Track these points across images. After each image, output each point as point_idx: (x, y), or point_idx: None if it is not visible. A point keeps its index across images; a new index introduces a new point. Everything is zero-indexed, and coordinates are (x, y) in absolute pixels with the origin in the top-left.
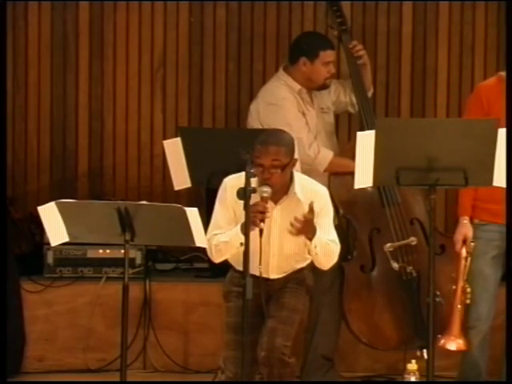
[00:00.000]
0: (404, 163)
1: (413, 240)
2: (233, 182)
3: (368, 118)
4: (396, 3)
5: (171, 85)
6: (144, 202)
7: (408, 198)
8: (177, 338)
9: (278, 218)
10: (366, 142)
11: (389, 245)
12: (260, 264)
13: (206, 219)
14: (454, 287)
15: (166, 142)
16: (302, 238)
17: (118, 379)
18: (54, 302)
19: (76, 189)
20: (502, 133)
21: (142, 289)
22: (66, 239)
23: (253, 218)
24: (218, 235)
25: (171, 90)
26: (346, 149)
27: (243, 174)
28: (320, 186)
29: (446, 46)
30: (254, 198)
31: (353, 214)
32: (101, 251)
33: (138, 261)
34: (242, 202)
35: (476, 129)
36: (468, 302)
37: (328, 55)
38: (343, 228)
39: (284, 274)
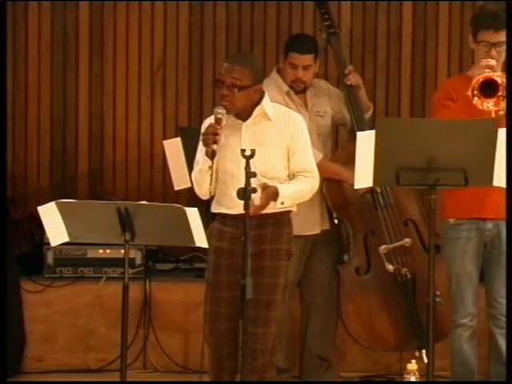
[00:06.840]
0: (404, 163)
1: (407, 241)
2: (207, 121)
3: (360, 127)
4: (396, 3)
5: (171, 85)
6: (144, 202)
7: (401, 200)
8: (177, 338)
9: (248, 135)
10: (366, 141)
11: (383, 247)
12: (210, 184)
13: (206, 219)
14: None
15: (166, 142)
16: (277, 156)
17: (118, 379)
18: (54, 302)
19: (76, 189)
20: (502, 133)
21: (142, 289)
22: (66, 239)
23: (205, 140)
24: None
25: (171, 90)
26: (338, 157)
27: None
28: (295, 113)
29: (446, 46)
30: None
31: (347, 217)
32: (101, 251)
33: (138, 261)
34: None
35: (476, 129)
36: None
37: (293, 57)
38: (338, 231)
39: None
